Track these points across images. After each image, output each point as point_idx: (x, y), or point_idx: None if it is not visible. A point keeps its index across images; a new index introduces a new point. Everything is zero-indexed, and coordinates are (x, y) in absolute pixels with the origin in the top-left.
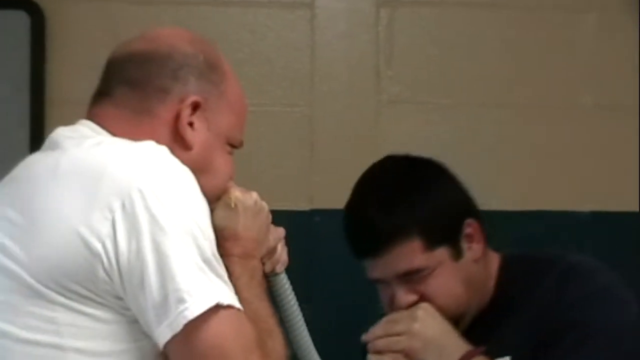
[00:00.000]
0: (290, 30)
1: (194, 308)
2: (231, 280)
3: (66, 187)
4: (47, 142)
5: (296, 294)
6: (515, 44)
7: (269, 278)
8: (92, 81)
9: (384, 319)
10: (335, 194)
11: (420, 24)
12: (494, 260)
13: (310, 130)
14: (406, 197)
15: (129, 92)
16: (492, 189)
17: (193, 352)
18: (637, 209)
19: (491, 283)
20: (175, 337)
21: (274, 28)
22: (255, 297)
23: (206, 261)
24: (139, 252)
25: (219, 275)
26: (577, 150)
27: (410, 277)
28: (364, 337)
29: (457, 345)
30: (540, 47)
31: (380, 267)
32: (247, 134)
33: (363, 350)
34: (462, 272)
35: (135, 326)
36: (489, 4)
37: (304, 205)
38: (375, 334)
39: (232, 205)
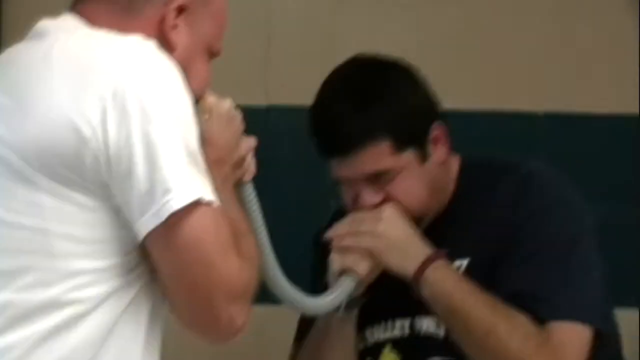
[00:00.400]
0: None
1: (179, 199)
2: None
3: (58, 73)
4: (31, 33)
5: None
6: None
7: (236, 187)
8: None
9: (348, 218)
10: (291, 91)
11: None
12: (454, 163)
13: (267, 23)
14: (377, 98)
15: None
16: (446, 89)
17: (173, 244)
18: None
19: (451, 186)
20: (157, 228)
21: None
22: (227, 201)
23: (191, 155)
24: (127, 140)
25: (201, 171)
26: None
27: (377, 178)
28: (327, 235)
29: (420, 248)
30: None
31: (347, 167)
32: None
33: (318, 247)
34: (427, 174)
35: (119, 215)
36: None
37: (260, 101)
38: (339, 232)
39: (206, 112)
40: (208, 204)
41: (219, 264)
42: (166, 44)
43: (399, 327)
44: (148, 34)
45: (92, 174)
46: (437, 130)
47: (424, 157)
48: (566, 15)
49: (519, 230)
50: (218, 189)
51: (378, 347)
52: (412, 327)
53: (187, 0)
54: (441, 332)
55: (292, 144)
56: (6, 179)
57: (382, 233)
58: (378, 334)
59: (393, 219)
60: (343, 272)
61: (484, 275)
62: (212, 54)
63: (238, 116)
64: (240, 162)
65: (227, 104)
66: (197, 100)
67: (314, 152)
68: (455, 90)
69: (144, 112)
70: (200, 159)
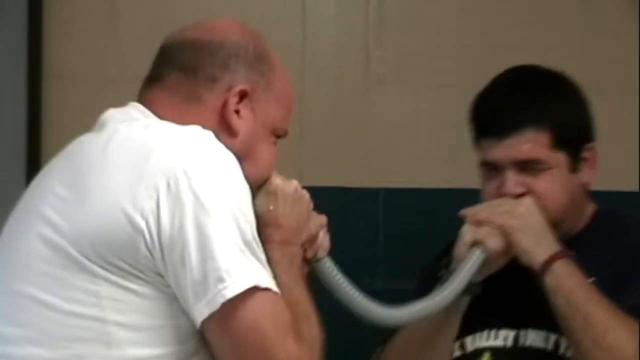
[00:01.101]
0: (281, 10)
1: (233, 287)
2: (270, 266)
3: (114, 165)
4: (97, 123)
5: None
6: (505, 27)
7: (312, 264)
8: (89, 55)
9: (487, 202)
10: (324, 172)
11: (410, 5)
12: (592, 204)
13: (300, 108)
14: (547, 93)
15: (180, 78)
16: (476, 171)
17: (230, 331)
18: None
19: (585, 218)
20: (212, 316)
21: (266, 7)
22: (293, 282)
23: (247, 243)
24: (180, 230)
25: (258, 259)
26: None
27: (526, 167)
28: (464, 211)
29: (554, 239)
30: (531, 31)
31: (501, 149)
32: None
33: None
34: (572, 184)
35: (174, 304)
36: None
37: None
38: (478, 209)
39: (272, 194)
40: (265, 290)
41: (277, 350)
42: (228, 130)
43: (503, 337)
44: (210, 120)
45: (147, 263)
46: (591, 152)
47: (573, 167)
48: None
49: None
50: (284, 270)
51: (477, 353)
52: (516, 339)
53: (248, 85)
54: (549, 346)
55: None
56: (64, 269)
57: (520, 214)
58: (480, 341)
59: (532, 207)
60: (474, 243)
61: (607, 294)
62: (278, 135)
63: (305, 196)
64: (312, 240)
65: (292, 185)
66: (263, 183)
67: (349, 231)
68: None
69: (198, 202)
70: (256, 247)
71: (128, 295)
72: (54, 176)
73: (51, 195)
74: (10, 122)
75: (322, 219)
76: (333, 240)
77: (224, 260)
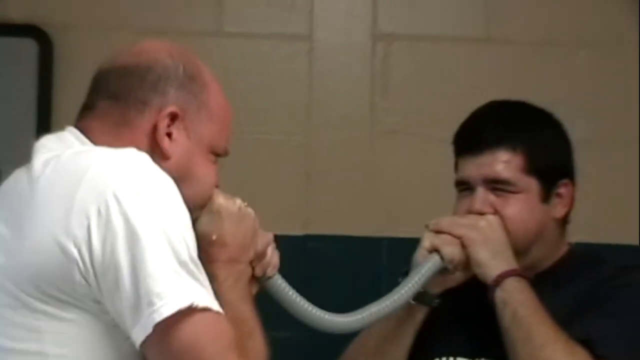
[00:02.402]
0: (289, 62)
1: (163, 310)
2: (215, 285)
3: (46, 196)
4: (33, 150)
5: (290, 319)
6: (510, 79)
7: (263, 282)
8: None
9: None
10: (329, 221)
11: (415, 58)
12: (565, 244)
13: (307, 159)
14: (529, 122)
15: (111, 105)
16: None
17: (168, 352)
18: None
19: (554, 256)
20: (148, 338)
21: (273, 60)
22: (238, 300)
23: (182, 264)
24: (112, 255)
25: (196, 279)
26: None
27: (497, 188)
28: (429, 223)
29: (511, 258)
30: (535, 82)
31: (475, 167)
32: (246, 160)
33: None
34: (541, 214)
35: (115, 330)
36: (484, 40)
37: (298, 231)
38: (441, 219)
39: (215, 213)
40: (203, 310)
41: None
42: (160, 154)
43: None
44: (143, 145)
45: (84, 291)
46: (566, 188)
47: (545, 197)
48: None
49: (600, 299)
50: (229, 288)
51: None
52: None
53: (179, 107)
54: None
55: (330, 272)
56: (6, 307)
57: (482, 227)
58: None
59: (495, 224)
60: (432, 250)
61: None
62: (216, 154)
63: (250, 214)
64: (260, 258)
65: (236, 204)
66: (205, 203)
67: (352, 280)
68: None
69: (128, 226)
70: (194, 267)
71: (68, 327)
72: None
73: None
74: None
75: (269, 236)
76: (339, 288)
77: (155, 284)
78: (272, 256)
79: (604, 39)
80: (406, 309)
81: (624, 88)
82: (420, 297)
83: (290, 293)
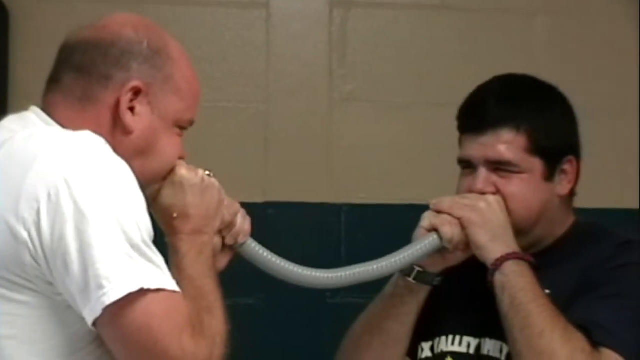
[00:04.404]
0: (246, 29)
1: (112, 293)
2: (177, 258)
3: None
4: None
5: (249, 284)
6: (468, 44)
7: (237, 249)
8: None
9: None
10: (287, 188)
11: (373, 24)
12: (570, 218)
13: (265, 126)
14: (533, 101)
15: (75, 79)
16: (440, 188)
17: (119, 334)
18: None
19: (557, 233)
20: (99, 320)
21: (231, 27)
22: (199, 274)
23: (134, 247)
24: (61, 239)
25: (149, 260)
26: None
27: (499, 168)
28: (431, 201)
29: (511, 239)
30: (493, 47)
31: (477, 147)
32: (204, 129)
33: None
34: (544, 193)
35: (69, 311)
36: (440, 6)
37: (257, 198)
38: (442, 199)
39: (176, 185)
40: (156, 291)
41: (172, 348)
42: (122, 128)
43: (466, 345)
44: (106, 119)
45: (35, 273)
46: (571, 165)
47: (549, 177)
48: None
49: (600, 278)
50: (191, 261)
51: (441, 356)
52: (478, 348)
53: (142, 81)
54: (502, 358)
55: (290, 239)
56: None
57: (481, 209)
58: (445, 346)
59: (496, 205)
60: (431, 229)
61: (562, 308)
62: (182, 127)
63: (214, 184)
64: (230, 227)
65: (199, 175)
66: (167, 174)
67: (312, 246)
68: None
69: (78, 210)
70: (147, 249)
71: (20, 308)
72: None
73: None
74: None
75: (236, 205)
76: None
77: (104, 267)
78: (243, 224)
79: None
80: (408, 288)
81: (624, 54)
82: (421, 276)
83: (266, 255)
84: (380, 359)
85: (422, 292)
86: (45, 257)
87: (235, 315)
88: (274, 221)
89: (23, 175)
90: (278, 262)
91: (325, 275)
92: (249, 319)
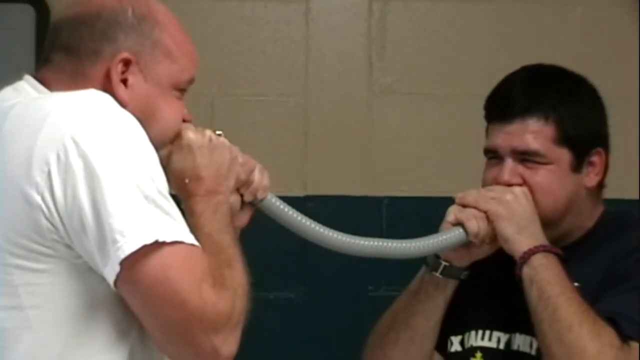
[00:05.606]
0: (285, 23)
1: (126, 247)
2: (193, 219)
3: (10, 146)
4: None
5: (291, 278)
6: (506, 35)
7: (257, 205)
8: None
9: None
10: (327, 181)
11: (412, 16)
12: (599, 209)
13: (305, 120)
14: (562, 91)
15: (65, 57)
16: (479, 180)
17: (138, 289)
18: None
19: (586, 226)
20: (119, 277)
21: (270, 21)
22: (216, 231)
23: (148, 199)
24: (74, 199)
25: (166, 213)
26: None
27: (526, 159)
28: (456, 195)
29: (539, 232)
30: (532, 38)
31: (504, 136)
32: (244, 122)
33: None
34: (572, 185)
35: (90, 274)
36: None
37: (298, 191)
38: (467, 192)
39: (184, 148)
40: (172, 244)
41: (192, 299)
42: (117, 102)
43: (496, 340)
44: None
45: (52, 236)
46: (599, 157)
47: (576, 168)
48: None
49: (629, 269)
50: (207, 220)
51: (470, 351)
52: (508, 343)
53: (131, 51)
54: (532, 352)
55: None
56: None
57: (508, 202)
58: (475, 340)
59: (522, 197)
60: (457, 223)
61: (591, 300)
62: (181, 89)
63: (224, 144)
64: (247, 184)
65: (206, 135)
66: (173, 139)
67: None
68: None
69: (88, 168)
70: (164, 201)
71: (41, 277)
72: None
73: None
74: None
75: (251, 162)
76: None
77: (117, 221)
78: (261, 179)
79: None
80: (434, 283)
81: (625, 41)
82: (448, 270)
83: (287, 210)
84: (407, 354)
85: (449, 287)
86: (61, 219)
87: (276, 308)
88: (314, 215)
89: (32, 140)
90: (298, 217)
91: (343, 238)
92: (290, 312)
